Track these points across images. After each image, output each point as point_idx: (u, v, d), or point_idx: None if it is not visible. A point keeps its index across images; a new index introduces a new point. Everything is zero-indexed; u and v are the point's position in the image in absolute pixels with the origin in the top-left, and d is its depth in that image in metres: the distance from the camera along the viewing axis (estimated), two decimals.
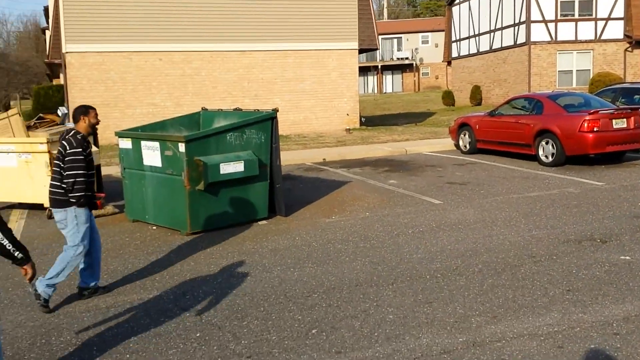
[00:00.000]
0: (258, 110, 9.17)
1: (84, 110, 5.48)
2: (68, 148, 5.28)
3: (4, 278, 3.81)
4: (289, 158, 14.65)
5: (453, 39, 36.92)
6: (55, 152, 8.98)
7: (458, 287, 5.57)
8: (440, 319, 4.85)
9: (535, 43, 28.75)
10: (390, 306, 5.15)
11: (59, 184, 5.30)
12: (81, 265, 5.63)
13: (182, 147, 7.63)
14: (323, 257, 6.69)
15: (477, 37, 33.80)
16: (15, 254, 3.53)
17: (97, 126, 5.64)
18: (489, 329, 4.63)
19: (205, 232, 7.89)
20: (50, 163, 9.01)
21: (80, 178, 5.24)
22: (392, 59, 57.86)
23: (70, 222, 5.31)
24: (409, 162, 13.72)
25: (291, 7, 20.67)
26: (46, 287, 5.31)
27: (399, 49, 58.12)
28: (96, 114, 5.55)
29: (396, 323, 4.80)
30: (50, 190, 5.39)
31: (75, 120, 5.49)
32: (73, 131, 5.43)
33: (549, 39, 28.85)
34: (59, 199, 5.31)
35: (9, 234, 3.51)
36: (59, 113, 10.62)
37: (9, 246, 3.49)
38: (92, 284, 5.68)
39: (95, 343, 4.64)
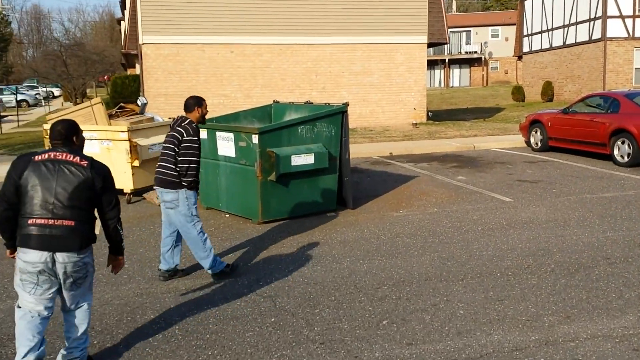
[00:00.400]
0: (328, 103, 9.29)
1: (198, 102, 5.86)
2: (185, 135, 5.63)
3: None
4: (355, 151, 14.73)
5: (525, 33, 36.01)
6: (131, 139, 9.40)
7: (530, 285, 5.54)
8: (511, 316, 4.86)
9: (611, 39, 27.73)
10: (461, 302, 5.19)
11: (172, 166, 5.62)
12: (164, 248, 5.93)
13: (255, 139, 7.84)
14: (392, 251, 6.77)
15: (550, 32, 32.85)
16: (122, 245, 4.20)
17: (206, 116, 6.01)
18: (561, 328, 4.61)
19: (275, 222, 8.09)
20: (131, 150, 9.44)
21: (194, 165, 5.63)
22: (460, 52, 56.93)
23: (182, 202, 5.68)
24: (477, 158, 13.58)
25: (361, 0, 20.69)
26: (216, 266, 5.85)
27: (467, 43, 57.10)
28: (206, 105, 5.95)
29: (467, 318, 4.84)
30: (161, 172, 5.70)
31: (189, 110, 5.84)
32: (188, 120, 5.77)
33: (625, 35, 27.77)
34: (171, 181, 5.64)
35: (122, 226, 4.17)
36: (139, 103, 11.04)
37: (122, 237, 4.17)
38: (173, 266, 5.96)
39: (177, 322, 4.89)
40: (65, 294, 3.95)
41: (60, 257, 3.79)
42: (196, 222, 5.77)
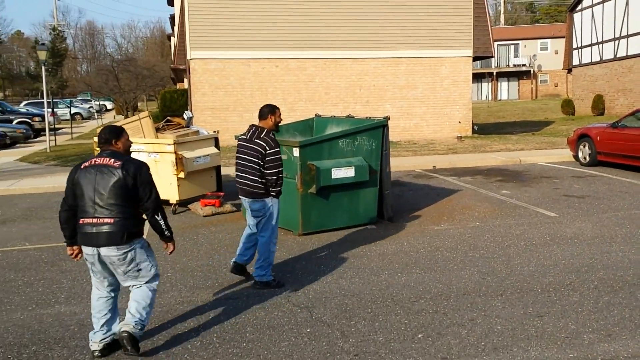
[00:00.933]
0: (369, 117, 9.34)
1: (272, 110, 6.03)
2: (268, 148, 5.84)
3: None
4: (398, 164, 14.71)
5: (574, 46, 35.28)
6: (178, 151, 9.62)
7: (571, 302, 5.44)
8: (550, 333, 4.78)
9: None
10: (499, 317, 5.13)
11: (258, 178, 5.87)
12: (247, 244, 6.23)
13: (296, 152, 7.94)
14: (430, 264, 6.74)
15: (600, 45, 32.13)
16: (165, 232, 4.57)
17: (279, 124, 6.21)
18: (601, 346, 4.51)
19: (316, 234, 8.16)
20: (177, 163, 9.67)
21: (281, 175, 5.90)
22: (508, 65, 56.18)
23: (268, 211, 5.96)
24: (523, 173, 13.37)
25: (405, 14, 20.73)
26: (265, 275, 6.02)
27: (515, 56, 56.33)
28: (280, 114, 6.11)
29: (504, 334, 4.78)
30: (247, 184, 5.95)
31: (264, 118, 6.02)
32: (265, 130, 5.95)
33: None
34: (259, 192, 5.92)
35: (164, 214, 4.55)
36: (185, 117, 11.32)
37: (164, 225, 4.53)
38: (247, 261, 6.29)
39: (215, 330, 4.99)
40: (119, 278, 4.51)
41: (102, 251, 4.31)
42: (273, 231, 6.05)
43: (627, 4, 29.23)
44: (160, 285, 6.20)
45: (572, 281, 6.03)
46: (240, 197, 6.13)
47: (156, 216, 4.46)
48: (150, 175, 4.44)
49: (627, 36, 29.38)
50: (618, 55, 30.43)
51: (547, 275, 6.25)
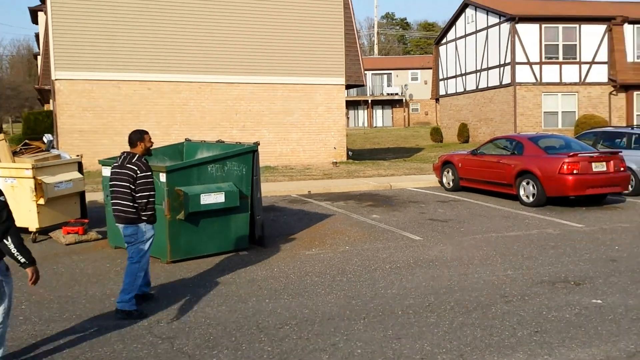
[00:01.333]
0: (240, 143, 9.34)
1: (140, 137, 6.01)
2: (139, 172, 5.80)
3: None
4: (274, 189, 14.79)
5: (441, 77, 37.53)
6: (42, 177, 9.08)
7: (428, 324, 5.66)
8: (407, 355, 4.94)
9: (520, 84, 29.30)
10: (360, 340, 5.23)
11: (130, 203, 5.78)
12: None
13: (163, 177, 7.75)
14: (299, 290, 6.78)
15: (463, 76, 34.40)
16: (19, 258, 4.28)
17: (151, 149, 6.15)
18: None
19: (185, 261, 7.96)
20: (36, 188, 9.09)
21: (152, 199, 5.84)
22: (382, 94, 58.63)
23: (140, 237, 5.87)
24: (392, 197, 13.89)
25: (280, 41, 21.06)
26: (128, 303, 5.83)
27: (388, 85, 58.97)
28: (150, 138, 6.07)
29: (363, 357, 4.88)
30: (120, 209, 5.85)
31: (133, 145, 6.00)
32: (137, 156, 5.92)
33: (533, 81, 29.42)
34: (131, 217, 5.82)
35: (17, 239, 4.25)
36: (45, 140, 10.72)
37: (14, 250, 4.24)
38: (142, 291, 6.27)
39: None
40: None
41: None
42: (141, 259, 5.96)
43: (486, 38, 31.58)
44: (13, 318, 5.75)
45: (430, 303, 6.29)
46: (116, 224, 6.05)
47: (5, 241, 4.20)
48: (1, 200, 4.21)
49: (487, 69, 31.70)
50: (480, 87, 32.73)
51: (409, 297, 6.48)
